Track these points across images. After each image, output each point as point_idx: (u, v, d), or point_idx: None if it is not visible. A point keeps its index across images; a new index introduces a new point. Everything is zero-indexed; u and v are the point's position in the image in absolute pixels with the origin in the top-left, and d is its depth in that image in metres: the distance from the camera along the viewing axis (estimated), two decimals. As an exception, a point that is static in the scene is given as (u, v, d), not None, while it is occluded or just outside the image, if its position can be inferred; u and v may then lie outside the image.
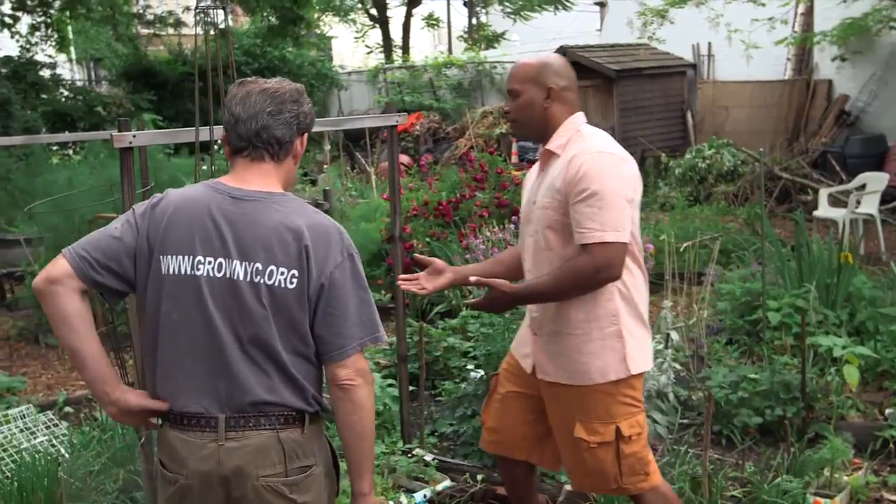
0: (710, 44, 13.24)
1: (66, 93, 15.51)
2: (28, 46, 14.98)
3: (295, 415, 2.07)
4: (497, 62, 16.77)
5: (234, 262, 2.03)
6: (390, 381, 4.40)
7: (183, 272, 2.03)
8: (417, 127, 15.28)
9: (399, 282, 2.91)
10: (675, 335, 4.60)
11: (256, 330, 2.04)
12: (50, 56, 15.69)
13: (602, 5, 16.20)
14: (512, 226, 6.49)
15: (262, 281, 2.03)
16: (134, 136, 2.69)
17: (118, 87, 17.61)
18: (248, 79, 2.17)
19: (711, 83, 13.33)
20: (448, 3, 24.37)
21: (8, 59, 14.37)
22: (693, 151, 11.37)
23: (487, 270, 2.92)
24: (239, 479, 2.02)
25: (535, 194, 2.74)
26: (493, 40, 23.35)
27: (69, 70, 20.12)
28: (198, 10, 2.93)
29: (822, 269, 5.37)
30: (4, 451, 3.59)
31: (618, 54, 12.95)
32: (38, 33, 15.49)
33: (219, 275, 2.03)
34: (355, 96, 18.66)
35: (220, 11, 2.99)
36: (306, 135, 2.19)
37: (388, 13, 22.05)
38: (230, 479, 2.02)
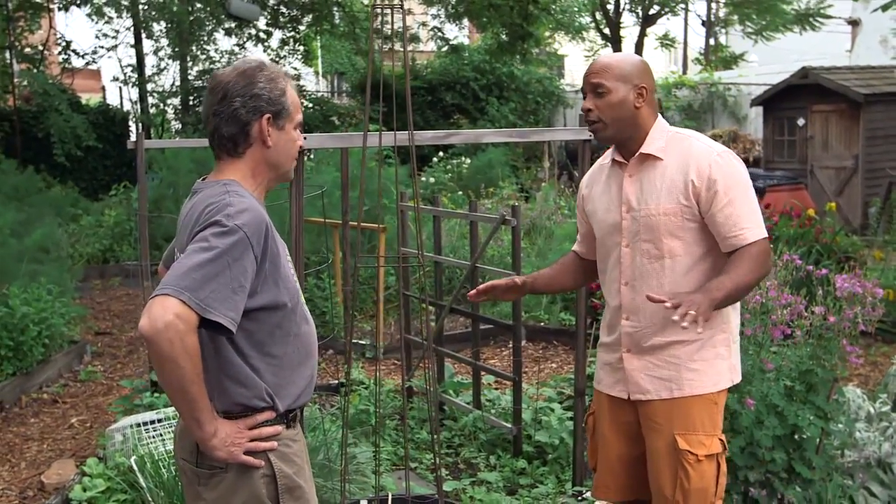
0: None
1: (307, 103, 16.47)
2: (277, 60, 16.11)
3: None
4: (732, 83, 15.86)
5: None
6: (570, 413, 4.13)
7: None
8: (641, 148, 14.77)
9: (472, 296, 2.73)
10: (905, 396, 3.98)
11: None
12: (295, 69, 16.77)
13: (855, 24, 14.91)
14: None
15: None
16: (304, 139, 2.70)
17: (353, 98, 18.55)
18: (216, 71, 2.09)
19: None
20: (685, 23, 23.52)
21: (256, 70, 15.51)
22: (951, 187, 10.13)
23: (557, 280, 2.84)
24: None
25: (633, 201, 2.50)
26: (730, 62, 22.20)
27: (314, 82, 21.51)
28: (372, 6, 2.86)
29: None
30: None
31: (868, 77, 11.79)
32: (286, 47, 16.65)
33: None
34: (581, 114, 18.40)
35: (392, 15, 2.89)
36: (271, 116, 2.03)
37: (622, 32, 21.57)
38: None
